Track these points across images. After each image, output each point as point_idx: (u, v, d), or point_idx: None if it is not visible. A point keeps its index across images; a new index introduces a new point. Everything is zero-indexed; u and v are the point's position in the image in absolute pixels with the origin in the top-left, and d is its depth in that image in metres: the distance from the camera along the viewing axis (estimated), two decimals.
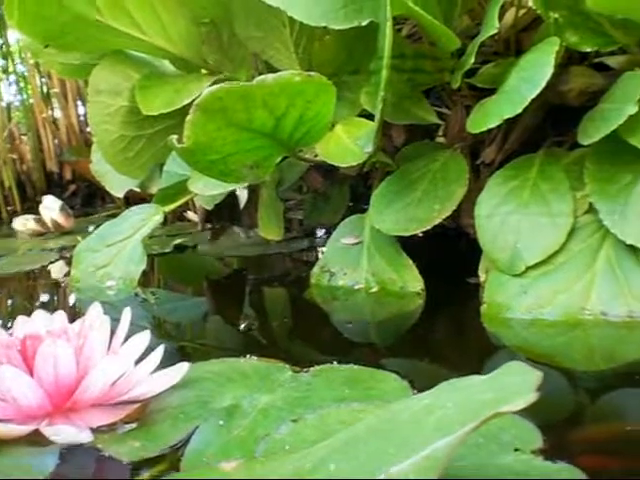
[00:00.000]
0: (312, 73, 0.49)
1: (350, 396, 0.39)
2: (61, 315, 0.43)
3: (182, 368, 0.39)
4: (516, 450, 0.31)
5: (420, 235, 0.61)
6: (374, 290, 0.61)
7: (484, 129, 0.49)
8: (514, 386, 0.22)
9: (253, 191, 0.86)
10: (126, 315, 0.42)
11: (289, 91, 0.49)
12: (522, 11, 0.58)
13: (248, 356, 0.46)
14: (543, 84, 0.46)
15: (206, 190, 0.68)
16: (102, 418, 0.37)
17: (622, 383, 0.42)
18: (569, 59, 0.56)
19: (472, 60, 0.51)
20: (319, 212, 0.86)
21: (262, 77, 0.47)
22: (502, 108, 0.48)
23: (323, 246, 0.68)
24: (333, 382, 0.41)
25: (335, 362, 0.44)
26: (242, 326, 0.56)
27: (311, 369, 0.43)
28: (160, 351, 0.40)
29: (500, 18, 0.55)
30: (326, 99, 0.50)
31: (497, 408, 0.20)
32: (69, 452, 0.35)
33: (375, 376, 0.42)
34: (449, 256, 0.72)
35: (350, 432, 0.28)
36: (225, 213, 1.02)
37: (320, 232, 0.92)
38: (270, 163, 0.56)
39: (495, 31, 0.48)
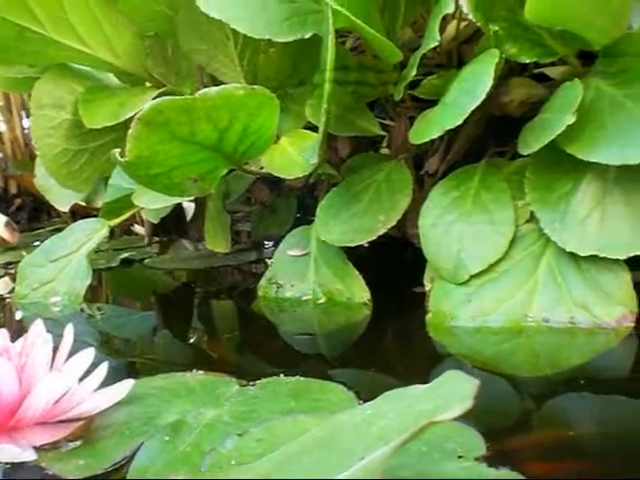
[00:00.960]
0: (255, 86, 0.49)
1: (296, 408, 0.39)
2: (2, 333, 0.42)
3: (127, 384, 0.39)
4: (459, 457, 0.31)
5: (366, 245, 0.61)
6: (321, 301, 0.61)
7: (426, 140, 0.50)
8: (452, 394, 0.23)
9: (200, 204, 0.85)
10: (69, 332, 0.41)
11: (232, 104, 0.49)
12: (463, 23, 0.59)
13: (195, 371, 0.45)
14: (483, 96, 0.46)
15: (151, 204, 0.67)
16: (46, 436, 0.36)
17: (565, 388, 0.43)
18: (509, 70, 0.57)
19: (414, 72, 0.52)
20: (266, 224, 0.87)
21: (205, 90, 0.47)
22: (443, 119, 0.49)
23: (271, 258, 0.68)
24: (280, 395, 0.41)
25: (282, 374, 0.44)
26: (190, 340, 0.56)
27: (258, 382, 0.43)
28: (104, 367, 0.40)
29: (442, 30, 0.56)
30: (269, 112, 0.51)
31: (434, 416, 0.21)
32: (13, 471, 0.34)
33: (321, 388, 0.42)
34: (395, 266, 0.73)
35: (295, 444, 0.28)
36: (172, 226, 1.01)
37: (268, 244, 0.91)
38: (215, 176, 0.56)
39: (436, 44, 0.49)
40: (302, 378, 0.43)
